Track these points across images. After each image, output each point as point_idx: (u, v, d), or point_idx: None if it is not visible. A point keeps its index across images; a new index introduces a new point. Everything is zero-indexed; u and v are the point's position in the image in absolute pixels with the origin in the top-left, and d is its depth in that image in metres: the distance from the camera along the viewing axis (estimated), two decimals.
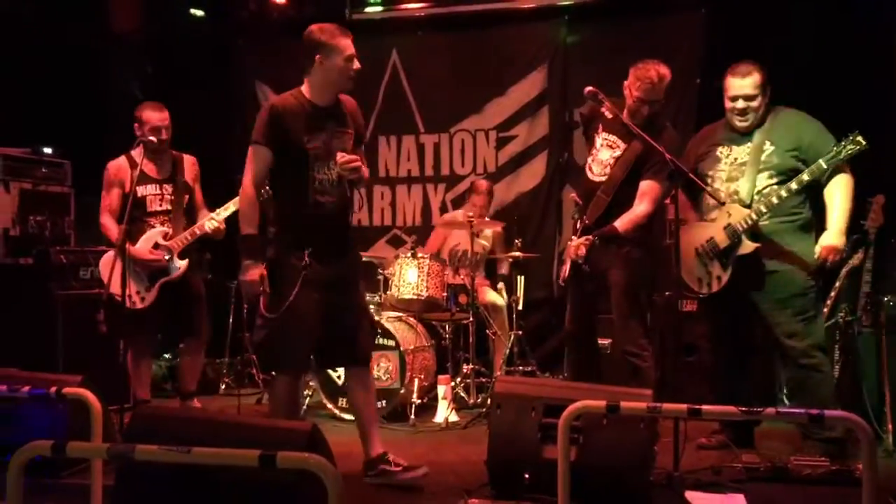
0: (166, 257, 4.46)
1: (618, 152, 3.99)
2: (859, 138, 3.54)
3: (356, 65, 3.45)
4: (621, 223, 3.91)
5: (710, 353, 4.31)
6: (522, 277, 5.66)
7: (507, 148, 6.50)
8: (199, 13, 6.62)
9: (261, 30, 6.75)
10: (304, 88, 3.46)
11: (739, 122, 3.84)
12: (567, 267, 4.05)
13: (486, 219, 5.71)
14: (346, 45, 3.41)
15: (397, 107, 6.66)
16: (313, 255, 3.33)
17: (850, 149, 3.54)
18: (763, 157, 3.77)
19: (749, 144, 3.83)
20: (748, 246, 3.72)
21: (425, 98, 6.64)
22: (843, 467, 3.32)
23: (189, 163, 4.76)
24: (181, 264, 4.51)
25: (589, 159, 4.14)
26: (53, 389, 3.04)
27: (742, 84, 3.79)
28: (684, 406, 2.65)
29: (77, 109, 5.96)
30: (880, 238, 4.23)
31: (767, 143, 3.78)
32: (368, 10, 6.49)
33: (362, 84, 6.73)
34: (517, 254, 5.50)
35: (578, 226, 4.08)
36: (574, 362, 4.20)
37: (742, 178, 3.80)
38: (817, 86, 5.00)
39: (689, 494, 3.11)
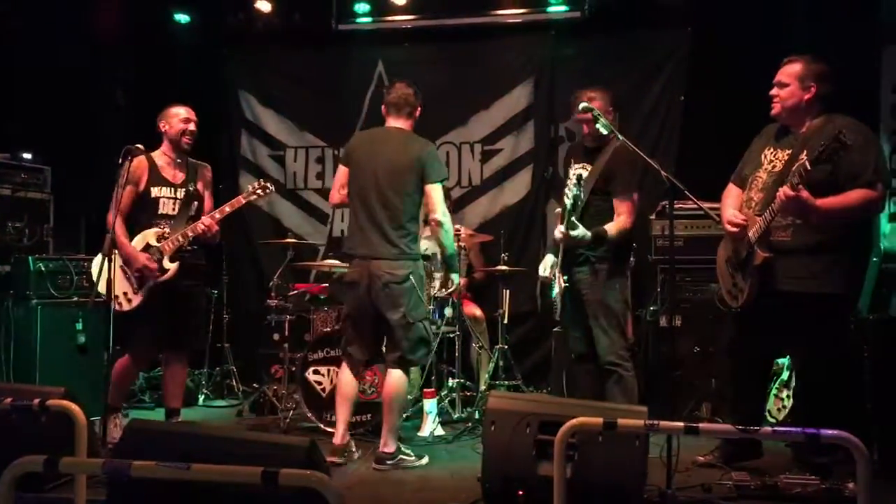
0: (156, 259, 4.30)
1: (583, 171, 4.12)
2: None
3: None
4: (610, 227, 4.04)
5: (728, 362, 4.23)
6: (508, 292, 5.65)
7: (492, 161, 6.50)
8: (184, 19, 6.55)
9: (246, 39, 6.71)
10: (407, 127, 4.34)
11: (775, 110, 3.78)
12: (559, 287, 4.09)
13: (462, 228, 5.69)
14: None
15: (382, 118, 6.61)
16: None
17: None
18: (794, 168, 3.55)
19: (789, 151, 3.71)
20: (759, 256, 3.63)
21: None
22: (833, 486, 3.34)
23: (204, 170, 4.64)
24: (171, 266, 4.34)
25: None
26: (36, 401, 2.99)
27: (780, 72, 3.75)
28: (681, 423, 2.66)
29: (58, 115, 5.87)
30: None
31: (805, 153, 3.57)
32: (355, 21, 6.47)
33: (347, 95, 6.78)
34: (503, 267, 5.48)
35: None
36: (588, 385, 4.20)
37: (772, 188, 3.67)
38: None
39: None
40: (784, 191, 3.44)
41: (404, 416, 4.85)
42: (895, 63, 5.18)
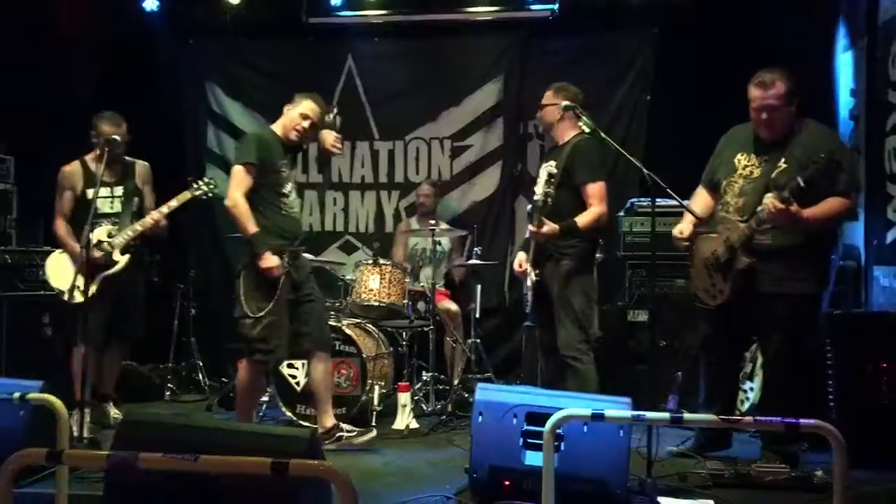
0: (101, 253, 4.46)
1: (552, 169, 4.16)
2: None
3: (306, 124, 4.15)
4: (581, 219, 4.10)
5: (703, 357, 4.37)
6: (479, 286, 5.71)
7: (461, 157, 6.53)
8: (151, 9, 6.43)
9: (214, 31, 6.62)
10: (279, 126, 4.23)
11: (765, 133, 3.79)
12: (530, 281, 4.15)
13: (444, 225, 5.74)
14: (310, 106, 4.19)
15: (351, 113, 6.56)
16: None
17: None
18: (773, 175, 3.70)
19: (766, 158, 3.79)
20: (742, 262, 3.72)
21: (380, 105, 6.62)
22: (802, 473, 3.48)
23: (141, 167, 4.79)
24: (122, 259, 4.53)
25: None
26: (16, 395, 2.95)
27: (766, 95, 3.69)
28: (667, 414, 2.75)
29: (22, 105, 5.74)
30: None
31: (783, 160, 3.71)
32: (326, 14, 6.43)
33: (316, 89, 6.71)
34: (475, 262, 5.54)
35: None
36: (547, 371, 4.33)
37: (751, 194, 3.77)
38: None
39: (662, 500, 3.19)
40: (774, 203, 3.53)
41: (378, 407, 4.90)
42: (852, 67, 5.36)
